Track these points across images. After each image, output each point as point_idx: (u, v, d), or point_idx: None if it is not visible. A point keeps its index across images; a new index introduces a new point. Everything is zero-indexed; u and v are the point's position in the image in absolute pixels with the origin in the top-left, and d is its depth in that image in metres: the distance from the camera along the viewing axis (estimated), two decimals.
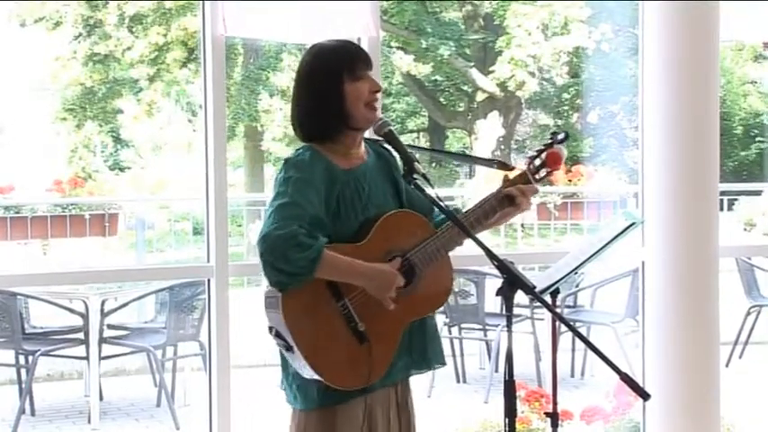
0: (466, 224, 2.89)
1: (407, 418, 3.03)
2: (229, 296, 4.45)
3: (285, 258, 2.68)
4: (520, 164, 3.07)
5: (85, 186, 8.00)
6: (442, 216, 2.99)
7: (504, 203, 2.98)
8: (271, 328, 2.81)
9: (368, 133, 4.29)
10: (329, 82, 2.87)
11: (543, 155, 3.03)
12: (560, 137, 3.03)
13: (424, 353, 3.00)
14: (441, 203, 2.82)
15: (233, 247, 4.44)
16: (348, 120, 2.88)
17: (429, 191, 2.81)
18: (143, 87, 16.06)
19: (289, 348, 2.78)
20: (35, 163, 15.35)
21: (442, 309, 7.25)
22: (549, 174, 3.05)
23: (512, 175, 3.03)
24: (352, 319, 2.80)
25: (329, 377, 2.78)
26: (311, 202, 2.77)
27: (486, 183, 8.45)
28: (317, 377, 2.78)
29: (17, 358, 6.70)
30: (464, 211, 3.00)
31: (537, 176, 3.03)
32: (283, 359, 2.91)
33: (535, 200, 8.17)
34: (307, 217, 2.74)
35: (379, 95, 2.93)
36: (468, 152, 19.42)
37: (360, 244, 2.83)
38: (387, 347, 2.85)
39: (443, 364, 3.07)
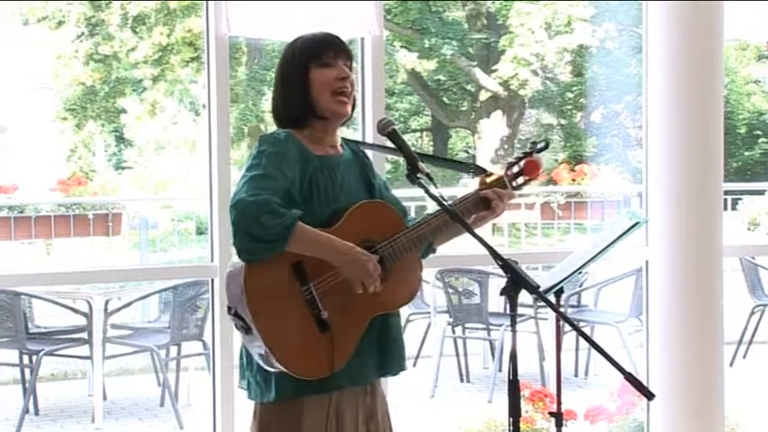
0: (437, 224, 2.86)
1: (379, 423, 2.95)
2: None
3: (259, 223, 2.62)
4: (498, 169, 3.04)
5: (88, 186, 8.00)
6: (412, 221, 2.96)
7: (479, 206, 2.95)
8: (230, 308, 2.73)
9: (371, 133, 4.30)
10: (296, 68, 2.87)
11: (522, 162, 3.00)
12: (540, 146, 3.00)
13: (387, 356, 2.92)
14: (444, 203, 2.80)
15: None
16: (313, 108, 2.86)
17: (433, 190, 2.79)
18: (146, 87, 16.08)
19: (247, 330, 2.70)
20: (39, 163, 15.36)
21: (445, 308, 7.30)
22: (526, 182, 3.01)
23: (489, 179, 2.99)
24: (315, 305, 2.73)
25: (286, 362, 2.69)
26: (285, 176, 2.73)
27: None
28: (275, 364, 2.70)
29: (21, 358, 6.72)
30: (436, 211, 2.93)
31: (514, 183, 3.00)
32: (246, 355, 2.85)
33: (539, 199, 8.18)
34: (281, 190, 2.70)
35: (347, 83, 2.87)
36: (470, 151, 19.43)
37: (332, 228, 2.78)
38: (348, 339, 2.78)
39: (403, 368, 2.98)
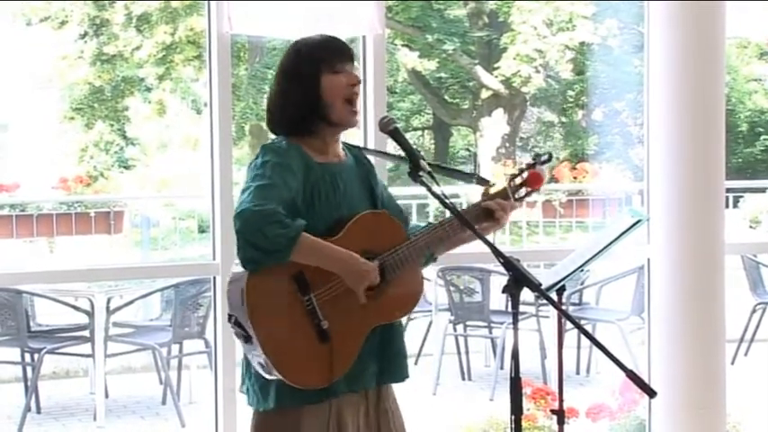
0: (438, 235, 2.87)
1: (387, 424, 2.95)
2: None
3: (263, 234, 2.62)
4: (502, 179, 3.04)
5: (91, 185, 8.01)
6: (414, 228, 2.98)
7: (481, 217, 2.94)
8: (230, 316, 2.74)
9: (372, 132, 4.30)
10: (306, 73, 2.85)
11: (525, 174, 3.01)
12: (544, 158, 3.01)
13: (390, 364, 2.93)
14: (447, 201, 2.79)
15: None
16: (324, 113, 2.85)
17: (435, 188, 2.80)
18: (151, 87, 16.10)
19: (247, 339, 2.71)
20: (41, 161, 15.38)
21: (446, 306, 7.30)
22: (528, 194, 3.02)
23: (492, 189, 3.00)
24: (315, 315, 2.72)
25: (286, 372, 2.70)
26: (289, 187, 2.73)
27: (492, 179, 8.43)
28: (273, 372, 2.71)
29: (23, 356, 6.72)
30: (440, 220, 2.94)
31: (517, 195, 3.01)
32: (246, 361, 2.85)
33: (540, 197, 8.17)
34: (284, 201, 2.70)
35: (358, 89, 2.87)
36: (471, 149, 19.42)
37: (335, 237, 2.78)
38: (348, 349, 2.78)
39: (406, 376, 2.99)
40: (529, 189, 3.01)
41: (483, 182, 3.05)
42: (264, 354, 2.69)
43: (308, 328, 2.73)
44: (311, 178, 2.81)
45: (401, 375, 2.98)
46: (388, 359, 2.92)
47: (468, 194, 10.41)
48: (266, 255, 2.65)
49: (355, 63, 2.94)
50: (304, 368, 2.73)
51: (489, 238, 2.81)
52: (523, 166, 3.04)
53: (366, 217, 2.86)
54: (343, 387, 2.81)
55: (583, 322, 7.04)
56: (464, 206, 3.09)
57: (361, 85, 2.94)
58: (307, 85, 2.85)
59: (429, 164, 2.85)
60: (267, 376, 2.76)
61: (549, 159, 3.02)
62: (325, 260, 2.72)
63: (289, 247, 2.64)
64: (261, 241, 2.63)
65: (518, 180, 3.01)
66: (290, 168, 2.77)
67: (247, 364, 2.85)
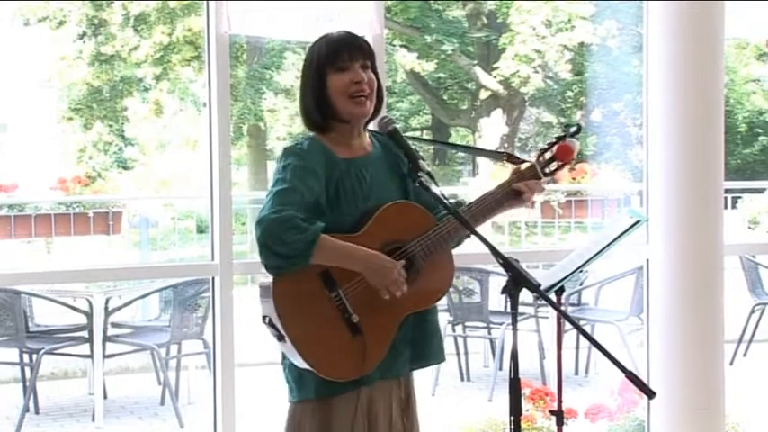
0: (470, 216, 2.88)
1: (411, 413, 3.01)
2: (233, 294, 4.45)
3: (281, 241, 2.66)
4: (527, 158, 3.04)
5: (90, 185, 8.00)
6: (443, 213, 2.97)
7: (510, 197, 2.97)
8: (264, 317, 2.79)
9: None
10: (314, 73, 2.88)
11: (554, 147, 3.01)
12: (573, 129, 3.01)
13: (425, 348, 2.97)
14: (445, 201, 2.80)
15: (237, 246, 4.43)
16: (332, 112, 2.87)
17: (433, 188, 2.80)
18: (148, 87, 16.09)
19: (281, 338, 2.77)
20: (39, 161, 15.37)
21: (445, 307, 7.29)
22: (560, 167, 3.03)
23: (522, 167, 3.01)
24: (345, 310, 2.76)
25: (320, 367, 2.76)
26: (311, 189, 2.76)
27: (491, 179, 8.43)
28: (308, 368, 2.77)
29: (21, 356, 6.72)
30: (469, 202, 2.97)
31: (547, 170, 3.02)
32: (282, 354, 2.91)
33: (539, 198, 8.16)
34: (305, 204, 2.73)
35: (364, 86, 2.86)
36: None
37: (356, 234, 2.80)
38: (381, 340, 2.82)
39: (443, 360, 3.05)
40: (560, 162, 3.02)
41: (514, 160, 3.06)
42: (297, 351, 2.74)
43: (338, 324, 2.77)
44: (335, 175, 2.83)
45: (437, 357, 3.02)
46: (421, 344, 2.95)
47: (466, 195, 10.41)
48: (287, 260, 2.69)
49: (371, 59, 2.91)
50: (338, 363, 2.78)
51: (487, 231, 2.82)
52: (552, 139, 3.04)
53: (389, 209, 2.86)
54: (376, 375, 2.85)
55: (582, 323, 7.04)
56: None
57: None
58: (315, 86, 2.88)
59: (457, 145, 2.88)
60: (302, 368, 2.81)
61: (579, 131, 3.02)
62: (345, 260, 2.75)
63: (307, 251, 2.68)
64: (280, 248, 2.67)
65: (547, 155, 3.02)
66: (311, 169, 2.79)
67: (283, 355, 2.90)
